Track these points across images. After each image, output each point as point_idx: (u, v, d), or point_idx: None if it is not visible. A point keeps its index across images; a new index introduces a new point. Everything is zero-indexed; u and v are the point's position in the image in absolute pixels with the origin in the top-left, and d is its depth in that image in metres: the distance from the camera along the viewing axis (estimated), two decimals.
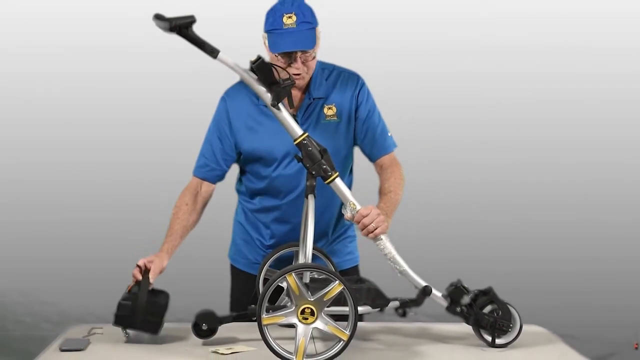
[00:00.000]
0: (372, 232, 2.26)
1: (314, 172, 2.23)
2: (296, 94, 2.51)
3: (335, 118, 2.53)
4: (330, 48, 2.56)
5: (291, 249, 2.46)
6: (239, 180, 2.67)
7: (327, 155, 2.24)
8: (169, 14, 2.11)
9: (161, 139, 4.01)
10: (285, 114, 2.24)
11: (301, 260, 2.17)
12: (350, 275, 2.57)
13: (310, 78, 2.50)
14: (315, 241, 2.33)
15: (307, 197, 2.22)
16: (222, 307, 2.50)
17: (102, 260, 4.01)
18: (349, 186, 2.59)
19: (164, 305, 2.30)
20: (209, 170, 2.55)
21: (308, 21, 2.38)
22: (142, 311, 2.25)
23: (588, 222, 4.10)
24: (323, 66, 2.55)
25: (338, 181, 2.25)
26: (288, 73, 2.31)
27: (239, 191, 2.68)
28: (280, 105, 2.22)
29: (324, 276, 2.06)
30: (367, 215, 2.26)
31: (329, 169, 2.23)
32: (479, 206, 4.10)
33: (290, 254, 2.48)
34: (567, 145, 4.10)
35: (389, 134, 2.58)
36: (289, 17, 2.36)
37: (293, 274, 2.02)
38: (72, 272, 4.01)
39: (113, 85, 3.98)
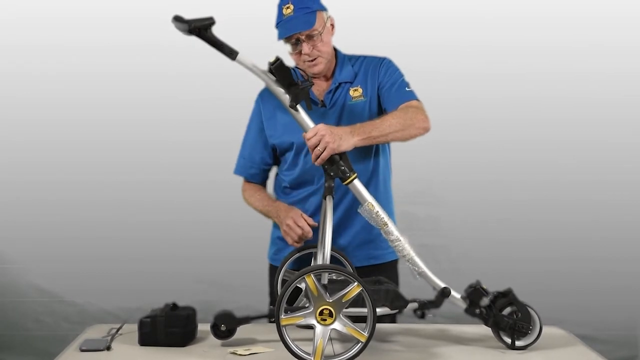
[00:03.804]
0: (319, 156, 2.20)
1: (332, 174, 2.23)
2: (322, 83, 2.57)
3: (362, 98, 2.56)
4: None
5: (310, 250, 2.47)
6: (276, 178, 2.70)
7: (345, 157, 2.24)
8: (186, 15, 2.12)
9: (161, 139, 4.02)
10: (303, 116, 2.24)
11: (320, 261, 2.17)
12: (391, 267, 2.60)
13: (336, 65, 2.57)
14: (358, 231, 2.48)
15: (325, 199, 2.22)
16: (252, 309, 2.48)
17: (120, 260, 4.02)
18: (384, 165, 2.61)
19: (185, 316, 2.30)
20: (253, 171, 2.66)
21: (306, 6, 2.45)
22: (162, 325, 2.26)
23: (611, 221, 4.04)
24: (350, 56, 2.62)
25: (356, 182, 2.24)
26: (306, 73, 2.31)
27: (278, 188, 2.69)
28: (298, 106, 2.22)
29: (342, 277, 2.05)
30: (311, 137, 2.21)
31: (347, 170, 2.23)
32: (499, 205, 4.06)
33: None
34: (582, 145, 4.06)
35: (411, 89, 2.53)
36: (287, 8, 2.45)
37: (312, 275, 2.02)
38: (92, 272, 4.01)
39: (113, 85, 3.98)
